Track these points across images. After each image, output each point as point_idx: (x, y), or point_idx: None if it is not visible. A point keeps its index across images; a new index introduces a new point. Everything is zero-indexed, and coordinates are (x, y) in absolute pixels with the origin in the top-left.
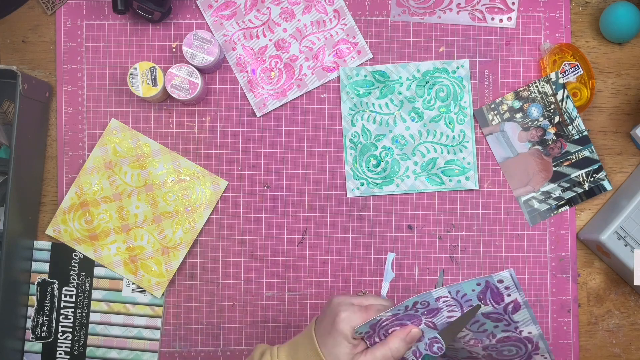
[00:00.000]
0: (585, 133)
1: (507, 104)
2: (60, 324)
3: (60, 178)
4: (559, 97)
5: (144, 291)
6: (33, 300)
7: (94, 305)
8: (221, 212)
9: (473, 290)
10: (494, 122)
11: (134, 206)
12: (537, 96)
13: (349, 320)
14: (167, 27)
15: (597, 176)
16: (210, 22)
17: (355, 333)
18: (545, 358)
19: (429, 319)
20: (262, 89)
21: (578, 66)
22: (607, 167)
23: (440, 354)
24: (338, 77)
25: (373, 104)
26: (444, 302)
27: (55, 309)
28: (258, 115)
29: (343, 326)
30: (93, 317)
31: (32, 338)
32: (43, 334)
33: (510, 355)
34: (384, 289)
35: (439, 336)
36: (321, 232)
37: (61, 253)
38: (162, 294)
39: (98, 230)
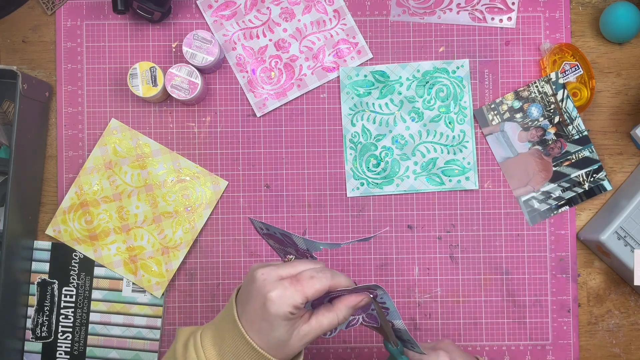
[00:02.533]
0: (585, 133)
1: (507, 104)
2: (60, 324)
3: (60, 178)
4: (559, 97)
5: (144, 291)
6: (33, 300)
7: (94, 305)
8: (221, 212)
9: None
10: (494, 122)
11: (134, 206)
12: (537, 96)
13: (283, 299)
14: (167, 27)
15: (597, 176)
16: (210, 22)
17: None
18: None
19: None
20: (262, 89)
21: (578, 66)
22: (607, 167)
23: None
24: (338, 77)
25: (373, 104)
26: None
27: (55, 309)
28: (258, 115)
29: (277, 309)
30: (93, 317)
31: (32, 338)
32: (43, 334)
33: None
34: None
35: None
36: (321, 232)
37: (61, 253)
38: (162, 294)
39: (98, 230)
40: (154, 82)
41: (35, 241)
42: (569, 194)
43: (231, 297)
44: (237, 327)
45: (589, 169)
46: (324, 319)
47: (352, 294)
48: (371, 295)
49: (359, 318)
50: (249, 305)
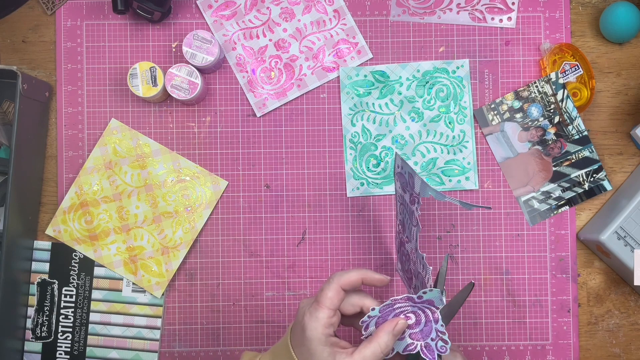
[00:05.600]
0: (585, 133)
1: (507, 104)
2: (60, 324)
3: (60, 178)
4: (559, 97)
5: (144, 291)
6: (33, 300)
7: (94, 305)
8: (221, 212)
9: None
10: (494, 122)
11: (134, 206)
12: (537, 96)
13: (312, 321)
14: (167, 27)
15: (597, 176)
16: (210, 22)
17: (361, 323)
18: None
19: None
20: (262, 89)
21: (578, 66)
22: (607, 167)
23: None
24: (338, 77)
25: (373, 104)
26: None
27: (55, 309)
28: (258, 115)
29: (310, 332)
30: (93, 317)
31: (32, 338)
32: (43, 334)
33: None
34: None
35: (442, 328)
36: (321, 232)
37: (61, 253)
38: (162, 294)
39: (98, 230)
40: (154, 82)
41: (35, 241)
42: (569, 194)
43: (288, 327)
44: (288, 350)
45: (589, 169)
46: (367, 350)
47: (389, 321)
48: (406, 319)
49: (417, 344)
50: (296, 330)
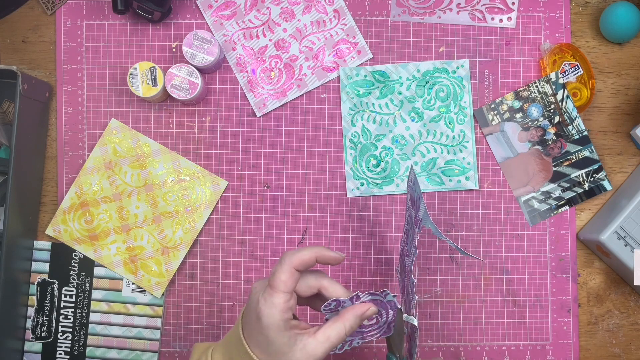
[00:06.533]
0: (585, 133)
1: (507, 104)
2: (60, 324)
3: (60, 178)
4: (559, 97)
5: (144, 291)
6: (33, 300)
7: (94, 305)
8: (221, 212)
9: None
10: (494, 122)
11: (134, 206)
12: (537, 96)
13: (268, 306)
14: (167, 27)
15: (597, 176)
16: (210, 22)
17: (325, 314)
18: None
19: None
20: (262, 89)
21: (578, 66)
22: (607, 167)
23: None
24: (338, 77)
25: (373, 104)
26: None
27: (55, 309)
28: (258, 115)
29: (267, 319)
30: (93, 317)
31: (32, 338)
32: (43, 334)
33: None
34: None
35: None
36: (321, 232)
37: (61, 253)
38: (162, 294)
39: (98, 230)
40: (154, 82)
41: (35, 241)
42: (569, 194)
43: (239, 314)
44: (242, 344)
45: (589, 169)
46: (331, 331)
47: (360, 304)
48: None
49: (355, 340)
50: (249, 316)
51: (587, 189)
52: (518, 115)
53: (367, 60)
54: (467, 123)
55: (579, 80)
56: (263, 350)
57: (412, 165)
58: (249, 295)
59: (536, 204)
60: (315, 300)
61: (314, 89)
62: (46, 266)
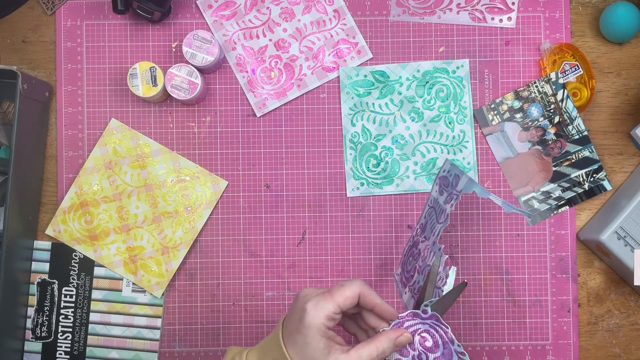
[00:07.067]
0: (585, 133)
1: (507, 104)
2: (60, 324)
3: (60, 178)
4: (559, 97)
5: (144, 291)
6: (33, 300)
7: (94, 305)
8: (221, 212)
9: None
10: (494, 122)
11: (134, 206)
12: (537, 96)
13: (316, 310)
14: (167, 27)
15: (597, 176)
16: (210, 22)
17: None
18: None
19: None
20: (262, 89)
21: (578, 66)
22: (607, 167)
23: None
24: (338, 77)
25: (373, 104)
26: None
27: (55, 309)
28: (258, 115)
29: (311, 319)
30: (93, 317)
31: (32, 338)
32: (43, 334)
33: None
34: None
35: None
36: (321, 232)
37: (61, 253)
38: (162, 294)
39: (98, 230)
40: (154, 82)
41: (35, 241)
42: (569, 194)
43: (280, 320)
44: (279, 344)
45: (589, 169)
46: (363, 351)
47: (394, 329)
48: (423, 340)
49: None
50: (291, 320)
51: (587, 189)
52: (518, 115)
53: (367, 60)
54: (467, 123)
55: (579, 80)
56: (298, 351)
57: (447, 159)
58: (294, 299)
59: (536, 204)
60: (349, 322)
61: (314, 89)
62: (46, 266)
